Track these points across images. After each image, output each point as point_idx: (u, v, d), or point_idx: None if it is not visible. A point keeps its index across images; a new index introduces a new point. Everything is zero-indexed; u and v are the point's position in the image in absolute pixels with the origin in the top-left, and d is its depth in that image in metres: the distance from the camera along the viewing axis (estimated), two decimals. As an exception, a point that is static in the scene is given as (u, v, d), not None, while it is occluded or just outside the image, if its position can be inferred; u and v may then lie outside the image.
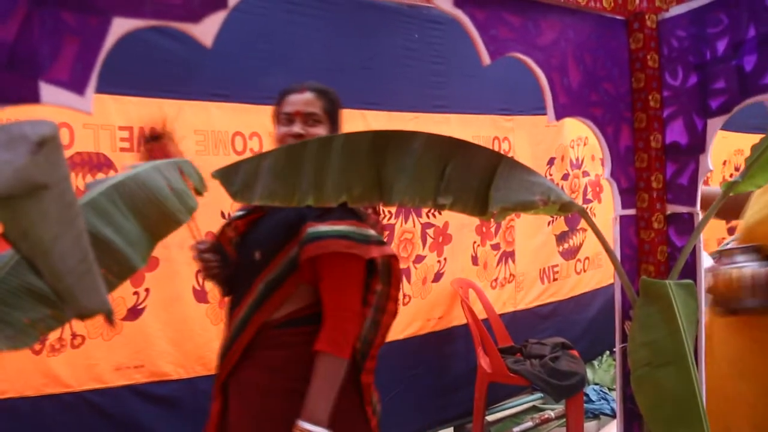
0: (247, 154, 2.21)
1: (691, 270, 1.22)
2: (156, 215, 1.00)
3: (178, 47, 2.00)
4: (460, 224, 2.87)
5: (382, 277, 1.35)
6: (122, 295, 1.98)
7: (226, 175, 0.93)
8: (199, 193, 1.19)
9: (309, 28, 2.37)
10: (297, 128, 1.34)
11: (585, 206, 3.62)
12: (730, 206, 1.50)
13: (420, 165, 0.94)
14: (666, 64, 1.26)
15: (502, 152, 3.03)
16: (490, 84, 2.86)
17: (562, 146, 3.40)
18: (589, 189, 3.61)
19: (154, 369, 2.07)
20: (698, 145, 1.23)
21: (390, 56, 2.61)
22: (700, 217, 1.22)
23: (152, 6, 0.85)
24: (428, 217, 2.77)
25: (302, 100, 1.37)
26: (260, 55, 2.26)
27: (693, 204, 1.23)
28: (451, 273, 2.87)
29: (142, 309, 2.04)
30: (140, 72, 2.02)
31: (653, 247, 1.26)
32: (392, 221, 2.66)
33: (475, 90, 2.87)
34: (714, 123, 1.20)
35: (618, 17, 1.25)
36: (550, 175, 3.34)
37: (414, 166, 0.94)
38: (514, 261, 3.21)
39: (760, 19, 1.10)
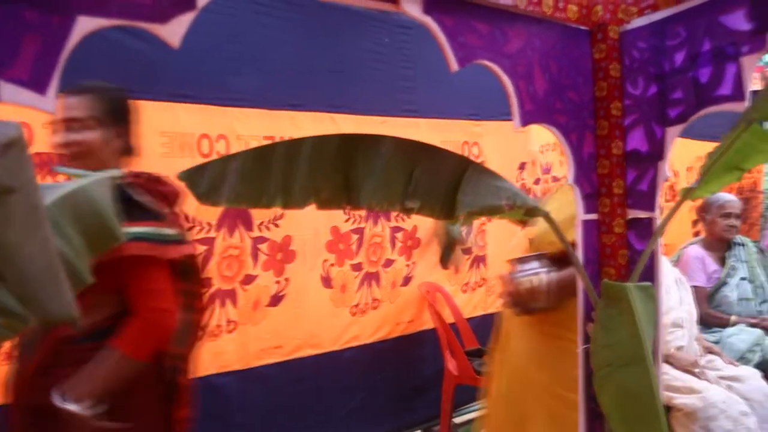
0: (214, 157, 2.18)
1: (650, 273, 1.26)
2: (97, 229, 0.95)
3: (144, 46, 1.97)
4: (430, 228, 2.89)
5: (186, 276, 1.32)
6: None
7: (192, 177, 0.92)
8: None
9: (278, 29, 2.36)
10: (58, 137, 1.24)
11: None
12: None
13: (388, 169, 0.95)
14: (627, 74, 1.30)
15: (471, 157, 3.09)
16: (459, 89, 2.89)
17: (533, 151, 3.45)
18: (558, 194, 3.68)
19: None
20: (657, 152, 1.27)
21: (360, 60, 2.62)
22: (658, 221, 1.26)
23: (119, 5, 0.84)
24: (397, 221, 2.78)
25: (67, 104, 1.26)
26: (228, 56, 2.24)
27: (652, 209, 1.27)
28: (421, 277, 2.89)
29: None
30: (104, 71, 1.96)
31: (614, 250, 1.29)
32: (361, 225, 2.66)
33: (444, 95, 2.90)
34: (672, 131, 1.25)
35: (582, 28, 1.28)
36: (522, 179, 3.38)
37: (382, 170, 0.95)
38: (485, 265, 3.24)
39: (714, 33, 1.15)
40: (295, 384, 2.47)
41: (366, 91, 2.63)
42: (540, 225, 1.74)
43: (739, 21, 1.12)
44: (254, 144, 2.26)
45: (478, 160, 3.14)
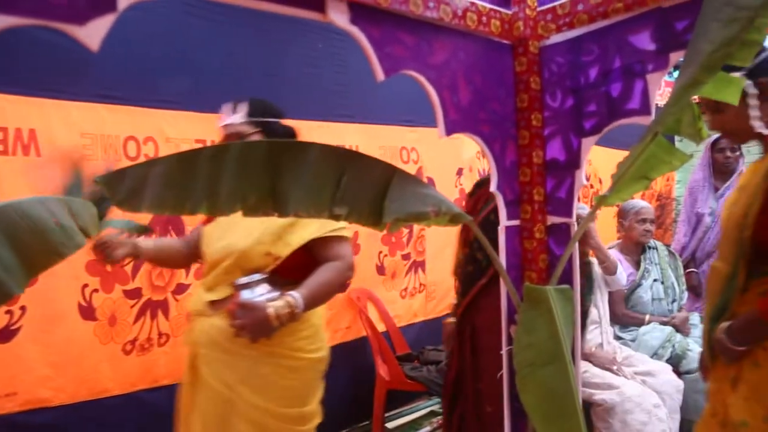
0: (141, 160, 2.11)
1: (568, 276, 1.33)
2: (36, 246, 0.98)
3: (64, 42, 1.86)
4: (368, 233, 2.90)
5: None
6: (-9, 315, 1.80)
7: (111, 182, 0.89)
8: (87, 234, 1.12)
9: (209, 31, 2.32)
10: None
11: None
12: None
13: (315, 175, 0.96)
14: (547, 87, 1.37)
15: (410, 163, 3.12)
16: (394, 95, 2.92)
17: (470, 157, 3.53)
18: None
19: (30, 396, 1.89)
20: (574, 161, 1.34)
21: (293, 64, 2.61)
22: (575, 227, 1.33)
23: (31, 4, 0.80)
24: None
25: None
26: (157, 56, 2.17)
27: (570, 215, 1.34)
28: (357, 282, 2.90)
29: (16, 330, 1.87)
30: (20, 68, 1.87)
31: (535, 255, 1.35)
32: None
33: (378, 101, 2.93)
34: (587, 142, 1.32)
35: (505, 42, 1.34)
36: (461, 185, 3.45)
37: (309, 177, 0.95)
38: (424, 271, 3.28)
39: (623, 51, 1.24)
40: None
41: (300, 96, 2.62)
42: (250, 236, 1.59)
43: (645, 41, 1.20)
44: (185, 147, 2.20)
45: (417, 166, 3.19)
